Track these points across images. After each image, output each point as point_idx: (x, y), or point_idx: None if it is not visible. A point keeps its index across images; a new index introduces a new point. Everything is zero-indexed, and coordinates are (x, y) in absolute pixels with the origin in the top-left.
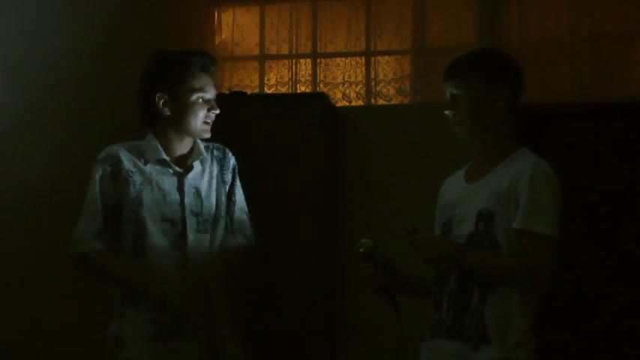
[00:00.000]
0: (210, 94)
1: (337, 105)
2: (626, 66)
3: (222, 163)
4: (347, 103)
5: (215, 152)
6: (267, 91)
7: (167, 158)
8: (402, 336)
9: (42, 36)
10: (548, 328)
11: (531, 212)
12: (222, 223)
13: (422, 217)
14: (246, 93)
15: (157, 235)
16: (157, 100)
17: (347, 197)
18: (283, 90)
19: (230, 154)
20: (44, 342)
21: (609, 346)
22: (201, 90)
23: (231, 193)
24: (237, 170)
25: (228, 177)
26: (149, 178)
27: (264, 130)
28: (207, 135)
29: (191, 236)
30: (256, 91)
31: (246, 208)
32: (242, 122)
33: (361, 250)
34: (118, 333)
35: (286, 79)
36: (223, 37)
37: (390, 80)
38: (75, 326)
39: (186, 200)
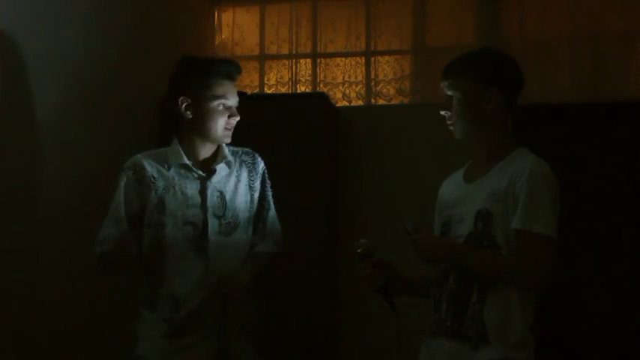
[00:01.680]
0: (231, 101)
1: (337, 105)
2: (626, 66)
3: (250, 168)
4: (347, 103)
5: (244, 157)
6: (267, 91)
7: (189, 162)
8: (400, 336)
9: (43, 35)
10: (548, 328)
11: (530, 212)
12: (248, 228)
13: (421, 217)
14: (246, 93)
15: (176, 238)
16: (180, 102)
17: (347, 197)
18: (283, 90)
19: (259, 160)
20: (59, 340)
21: (609, 346)
22: (223, 97)
23: (263, 199)
24: (267, 175)
25: (257, 183)
26: (172, 183)
27: (264, 130)
28: (228, 140)
29: (212, 238)
30: (256, 91)
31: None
32: (242, 122)
33: (359, 250)
34: (135, 331)
35: (286, 79)
36: (223, 37)
37: (390, 80)
38: (94, 324)
39: (209, 203)
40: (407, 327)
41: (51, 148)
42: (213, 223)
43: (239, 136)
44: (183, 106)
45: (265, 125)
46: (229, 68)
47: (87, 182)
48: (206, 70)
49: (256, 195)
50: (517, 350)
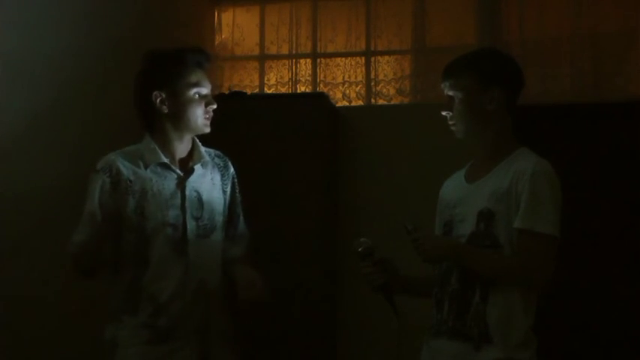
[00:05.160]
0: (206, 88)
1: (337, 105)
2: (626, 66)
3: (222, 172)
4: (347, 103)
5: (216, 160)
6: (267, 91)
7: (167, 161)
8: (400, 335)
9: (43, 34)
10: (548, 328)
11: (532, 211)
12: (221, 231)
13: (422, 217)
14: (246, 93)
15: (158, 242)
16: (153, 98)
17: (347, 197)
18: (283, 90)
19: (230, 164)
20: (44, 342)
21: (609, 346)
22: (197, 85)
23: (234, 205)
24: (236, 180)
25: (228, 187)
26: (149, 184)
27: (264, 130)
28: (207, 130)
29: (191, 240)
30: (256, 91)
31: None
32: (242, 122)
33: (360, 249)
34: (113, 338)
35: (286, 79)
36: (223, 37)
37: (390, 80)
38: (77, 329)
39: (187, 204)
40: (407, 327)
41: (48, 148)
42: (191, 225)
43: (239, 136)
44: (158, 100)
45: (265, 125)
46: (198, 57)
47: (83, 182)
48: (176, 61)
49: (228, 199)
50: (520, 350)
